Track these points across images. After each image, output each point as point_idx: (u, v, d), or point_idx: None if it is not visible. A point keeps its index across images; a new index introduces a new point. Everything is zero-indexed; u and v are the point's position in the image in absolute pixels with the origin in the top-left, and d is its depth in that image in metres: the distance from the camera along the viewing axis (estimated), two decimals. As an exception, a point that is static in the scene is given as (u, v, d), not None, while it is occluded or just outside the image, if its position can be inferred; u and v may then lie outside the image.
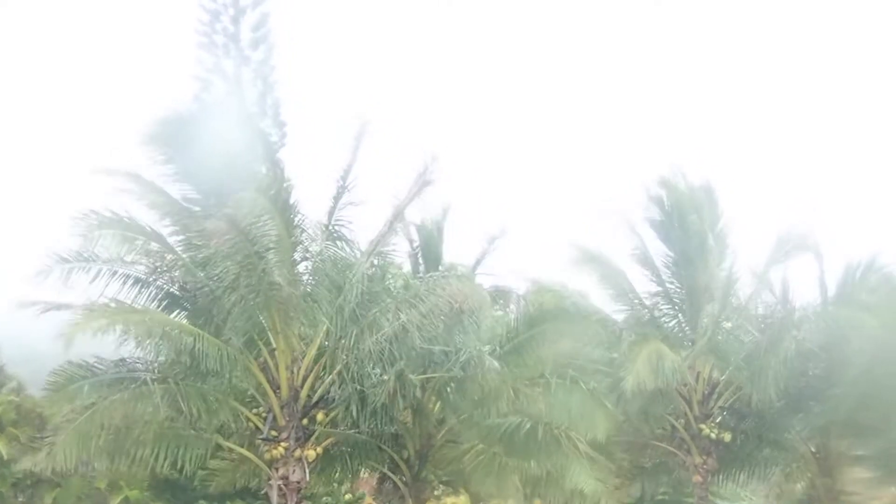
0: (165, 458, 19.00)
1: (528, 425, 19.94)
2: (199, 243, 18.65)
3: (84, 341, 16.74)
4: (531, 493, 20.01)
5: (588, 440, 21.01)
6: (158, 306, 19.39)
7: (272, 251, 17.81)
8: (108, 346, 17.83)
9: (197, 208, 19.68)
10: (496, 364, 18.90)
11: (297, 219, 19.07)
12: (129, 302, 18.59)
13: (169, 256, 19.20)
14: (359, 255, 20.12)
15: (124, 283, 18.75)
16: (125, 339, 17.82)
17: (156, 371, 18.45)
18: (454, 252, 23.29)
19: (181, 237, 19.24)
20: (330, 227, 19.90)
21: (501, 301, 23.49)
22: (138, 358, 18.72)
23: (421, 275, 21.33)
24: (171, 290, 19.55)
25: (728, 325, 26.77)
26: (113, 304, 17.93)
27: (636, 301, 27.94)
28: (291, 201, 18.79)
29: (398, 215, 20.06)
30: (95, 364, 18.45)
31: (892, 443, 26.45)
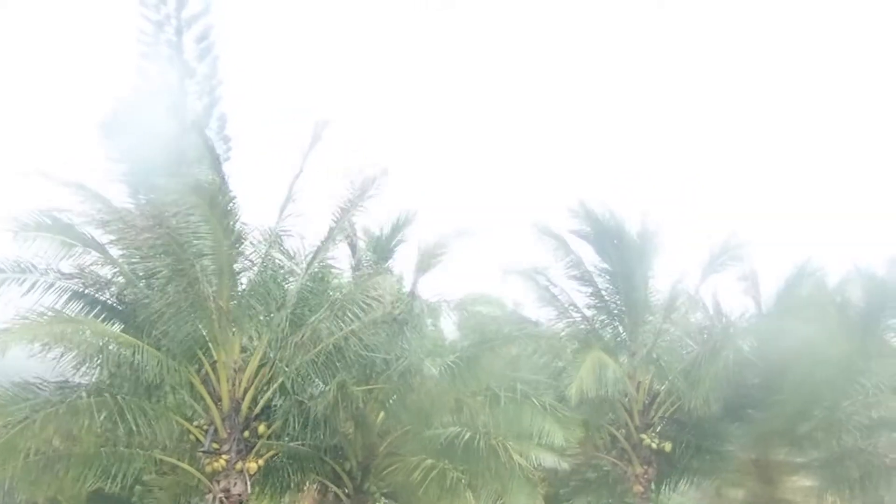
0: (102, 474, 18.79)
1: (467, 435, 19.96)
2: (137, 251, 18.51)
3: (17, 355, 16.57)
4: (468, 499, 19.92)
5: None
6: (96, 318, 19.03)
7: (207, 258, 17.67)
8: (44, 361, 17.56)
9: (136, 216, 19.56)
10: (434, 371, 18.92)
11: (237, 227, 18.89)
12: (66, 312, 18.27)
13: (108, 267, 18.99)
14: (300, 266, 20.09)
15: (60, 294, 18.41)
16: (62, 353, 17.58)
17: (92, 385, 18.18)
18: (400, 264, 23.22)
19: (120, 246, 19.07)
20: (271, 237, 19.82)
21: (444, 313, 23.47)
22: (75, 371, 18.41)
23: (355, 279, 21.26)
24: (110, 301, 19.28)
25: (668, 336, 27.02)
26: (49, 314, 17.63)
27: (576, 313, 28.13)
28: (232, 209, 18.58)
29: (339, 225, 20.02)
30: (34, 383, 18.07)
31: (831, 451, 26.85)
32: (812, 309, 25.64)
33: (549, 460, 21.32)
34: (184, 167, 19.46)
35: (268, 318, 19.02)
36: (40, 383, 17.89)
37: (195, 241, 17.41)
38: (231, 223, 18.46)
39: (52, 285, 18.12)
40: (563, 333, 27.91)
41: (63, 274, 18.32)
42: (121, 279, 19.03)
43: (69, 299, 18.50)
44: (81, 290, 18.75)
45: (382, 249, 22.95)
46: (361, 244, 22.98)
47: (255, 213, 19.65)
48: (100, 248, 18.58)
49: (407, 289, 21.17)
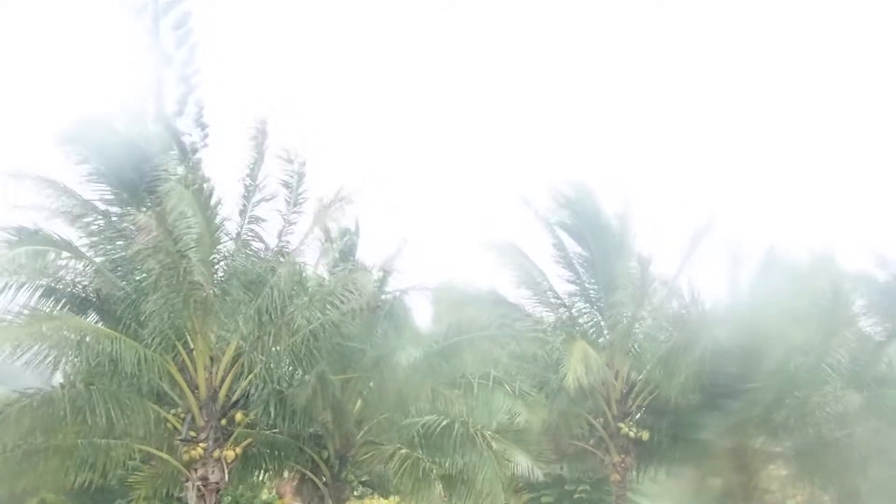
0: (80, 464, 18.83)
1: (443, 422, 20.08)
2: (115, 246, 18.51)
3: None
4: (445, 493, 20.02)
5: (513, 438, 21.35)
6: (72, 312, 18.92)
7: (193, 250, 17.73)
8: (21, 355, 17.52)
9: (114, 209, 19.57)
10: (408, 361, 19.03)
11: (217, 218, 18.95)
12: (41, 310, 18.23)
13: (81, 264, 18.96)
14: (275, 254, 20.13)
15: (34, 292, 18.33)
16: (41, 351, 17.56)
17: (65, 376, 18.22)
18: (371, 251, 23.28)
19: (96, 239, 19.08)
20: (245, 226, 19.86)
21: (422, 301, 23.52)
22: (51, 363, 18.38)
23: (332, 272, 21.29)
24: (85, 296, 19.27)
25: (644, 324, 27.14)
26: (25, 313, 17.58)
27: (555, 300, 28.23)
28: (211, 200, 18.64)
29: (317, 218, 20.06)
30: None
31: (807, 440, 27.04)
32: (784, 297, 25.80)
33: (522, 461, 21.45)
34: (162, 160, 19.51)
35: (246, 307, 19.03)
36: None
37: (184, 237, 17.42)
38: (212, 215, 18.56)
39: (23, 284, 18.05)
40: (542, 319, 27.97)
41: (36, 272, 18.24)
42: (93, 272, 18.98)
43: (42, 296, 18.50)
44: (55, 286, 18.72)
45: (350, 236, 23.01)
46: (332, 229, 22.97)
47: (232, 201, 19.75)
48: (70, 247, 18.51)
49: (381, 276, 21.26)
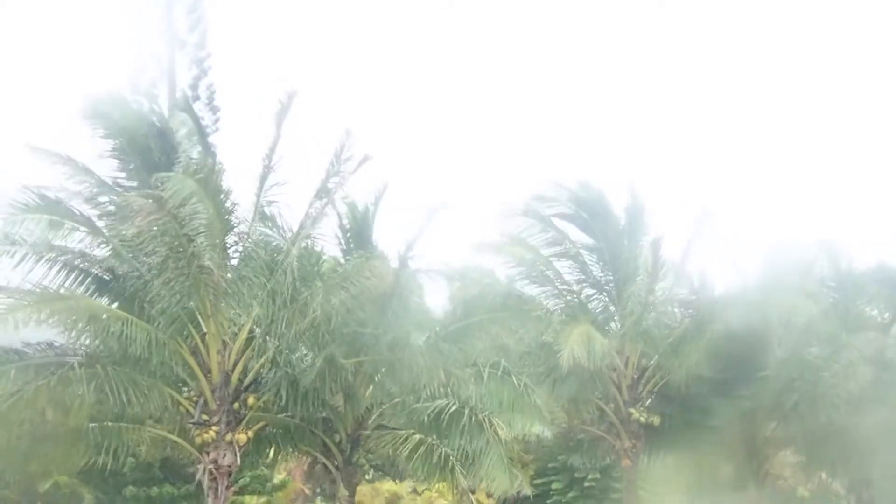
0: (94, 445, 18.89)
1: (454, 407, 20.14)
2: (128, 225, 18.51)
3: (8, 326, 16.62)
4: (452, 476, 20.09)
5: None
6: (86, 291, 19.04)
7: (202, 234, 17.72)
8: (35, 331, 17.59)
9: (132, 184, 19.61)
10: (420, 344, 19.05)
11: (228, 202, 18.90)
12: (55, 287, 18.25)
13: (97, 241, 19.02)
14: (288, 238, 20.14)
15: (50, 267, 18.35)
16: (53, 327, 17.62)
17: (83, 356, 18.22)
18: (385, 237, 23.25)
19: (110, 219, 19.12)
20: (258, 209, 19.86)
21: (434, 286, 23.51)
22: (66, 343, 18.43)
23: (350, 257, 21.25)
24: (100, 274, 19.29)
25: (654, 309, 27.09)
26: (38, 290, 17.66)
27: (563, 287, 28.21)
28: (223, 184, 18.63)
29: (326, 195, 20.00)
30: (22, 348, 18.11)
31: (818, 426, 26.99)
32: (794, 283, 25.79)
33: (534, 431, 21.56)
34: (175, 144, 19.53)
35: (260, 291, 19.04)
36: (33, 352, 17.93)
37: (191, 221, 17.41)
38: (223, 199, 18.55)
39: (41, 257, 18.12)
40: (551, 307, 27.92)
41: (52, 246, 18.31)
42: (109, 253, 19.03)
43: (59, 272, 18.49)
44: (71, 262, 18.76)
45: (364, 220, 22.97)
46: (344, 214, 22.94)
47: (245, 185, 19.75)
48: (88, 223, 18.59)
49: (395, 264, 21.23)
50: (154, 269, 18.06)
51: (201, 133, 20.93)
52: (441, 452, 19.80)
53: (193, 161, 18.84)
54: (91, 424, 18.73)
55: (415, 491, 36.24)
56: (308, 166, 20.65)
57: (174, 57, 43.50)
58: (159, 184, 17.21)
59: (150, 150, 19.74)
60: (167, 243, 17.46)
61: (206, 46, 44.59)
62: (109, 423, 18.89)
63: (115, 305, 19.01)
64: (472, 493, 37.10)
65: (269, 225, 20.45)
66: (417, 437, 20.09)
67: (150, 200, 16.95)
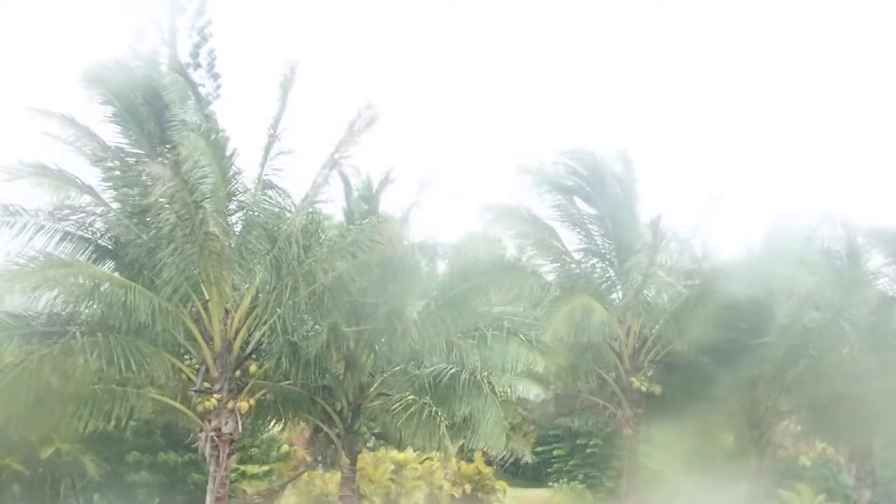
0: (96, 412, 18.87)
1: (451, 371, 20.19)
2: (134, 192, 18.46)
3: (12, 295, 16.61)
4: (450, 437, 20.18)
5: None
6: (88, 259, 19.01)
7: (208, 200, 17.66)
8: (37, 299, 17.57)
9: (134, 151, 19.54)
10: (415, 315, 19.00)
11: (231, 168, 18.81)
12: (57, 254, 18.17)
13: (100, 209, 18.97)
14: (293, 206, 20.06)
15: (52, 236, 18.31)
16: (55, 294, 17.59)
17: (85, 325, 18.18)
18: (388, 204, 23.12)
19: (114, 186, 19.07)
20: (262, 177, 19.77)
21: (436, 253, 23.41)
22: (68, 312, 18.38)
23: (356, 224, 21.14)
24: (102, 242, 19.26)
25: (656, 278, 27.02)
26: (41, 258, 17.57)
27: (565, 256, 28.15)
28: (226, 151, 18.49)
29: (332, 163, 19.89)
30: (25, 315, 18.06)
31: (820, 396, 26.99)
32: (797, 253, 25.70)
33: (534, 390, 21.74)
34: (177, 110, 19.42)
35: (263, 258, 18.99)
36: (33, 316, 17.89)
37: (199, 187, 17.34)
38: (226, 165, 18.44)
39: (42, 227, 18.07)
40: (552, 276, 27.89)
41: (54, 215, 18.25)
42: (112, 218, 18.98)
43: (60, 240, 18.45)
44: (73, 230, 18.71)
45: (370, 190, 22.86)
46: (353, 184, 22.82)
47: (249, 154, 19.64)
48: (91, 190, 18.53)
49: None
50: (163, 237, 17.98)
51: (197, 97, 20.81)
52: (430, 411, 19.82)
53: (203, 126, 18.71)
54: (94, 387, 18.65)
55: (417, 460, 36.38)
56: (312, 138, 20.48)
57: (175, 23, 43.39)
58: (168, 147, 17.16)
59: (148, 116, 19.62)
60: (176, 211, 17.35)
61: (206, 13, 44.52)
62: (113, 387, 18.82)
63: (117, 273, 18.97)
64: (471, 461, 37.45)
65: (273, 191, 20.30)
66: (413, 398, 20.11)
67: (168, 168, 16.82)
